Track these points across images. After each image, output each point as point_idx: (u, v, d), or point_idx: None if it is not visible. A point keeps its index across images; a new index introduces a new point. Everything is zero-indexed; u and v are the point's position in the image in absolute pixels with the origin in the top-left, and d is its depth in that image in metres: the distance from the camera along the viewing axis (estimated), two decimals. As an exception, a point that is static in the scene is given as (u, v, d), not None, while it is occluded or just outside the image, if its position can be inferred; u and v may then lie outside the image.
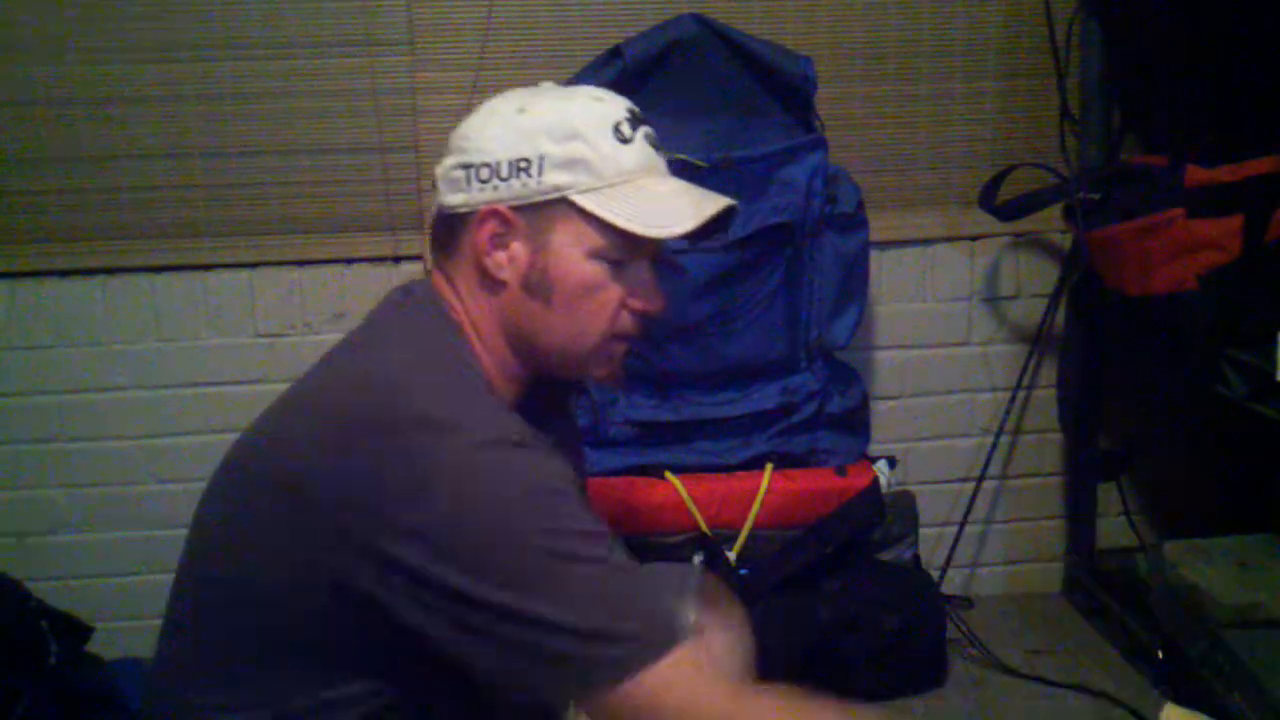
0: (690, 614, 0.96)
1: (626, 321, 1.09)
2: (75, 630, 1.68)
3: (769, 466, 1.84)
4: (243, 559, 0.98)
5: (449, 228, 1.07)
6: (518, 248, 1.05)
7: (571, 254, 1.05)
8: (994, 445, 2.05)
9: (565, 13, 1.89)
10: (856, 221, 1.86)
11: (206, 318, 1.94)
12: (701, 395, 1.88)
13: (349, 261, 1.94)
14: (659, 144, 1.10)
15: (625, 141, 1.06)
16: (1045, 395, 2.09)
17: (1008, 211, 1.92)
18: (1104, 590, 2.01)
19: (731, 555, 1.78)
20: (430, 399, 0.95)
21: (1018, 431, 2.12)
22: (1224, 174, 1.59)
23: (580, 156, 1.04)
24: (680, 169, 1.77)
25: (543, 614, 0.90)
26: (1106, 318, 1.95)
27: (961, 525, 2.05)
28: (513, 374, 1.09)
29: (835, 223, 1.85)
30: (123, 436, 1.96)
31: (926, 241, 2.04)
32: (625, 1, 1.89)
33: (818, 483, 1.84)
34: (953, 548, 2.06)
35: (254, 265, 1.93)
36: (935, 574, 2.00)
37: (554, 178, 1.03)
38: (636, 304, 1.09)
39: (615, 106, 1.08)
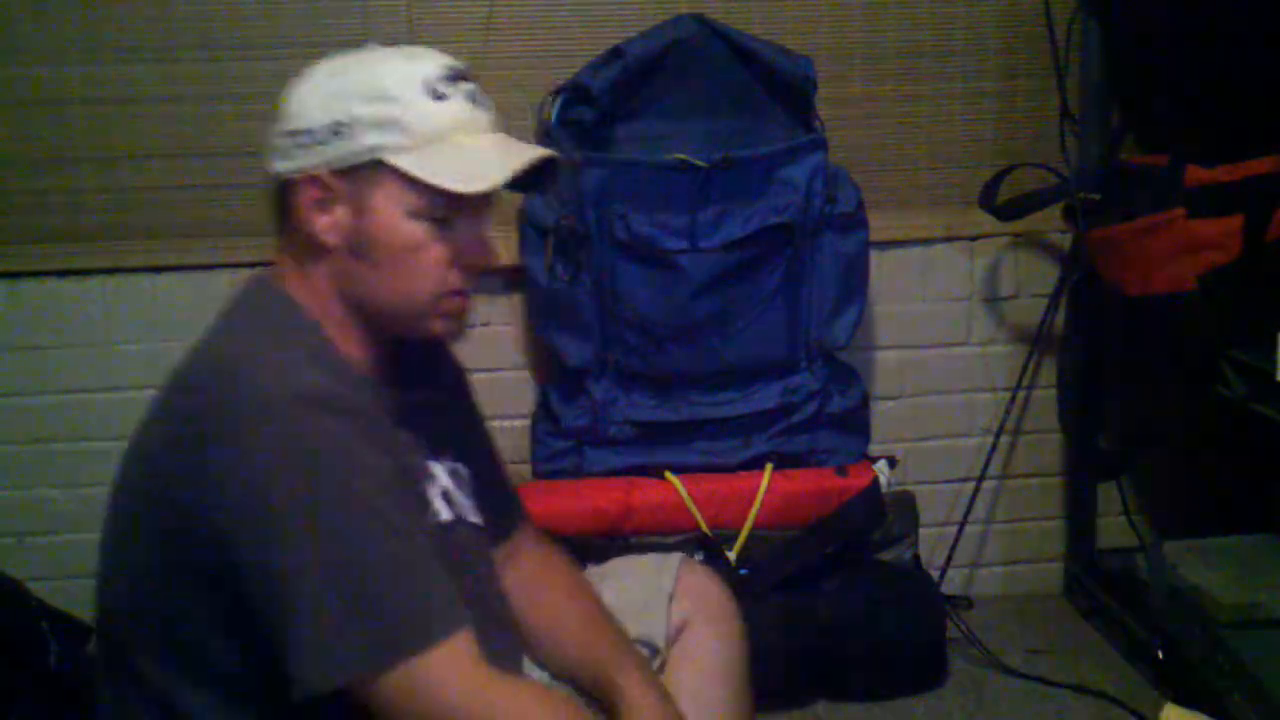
0: (460, 609, 0.96)
1: (457, 278, 1.08)
2: (75, 630, 1.68)
3: (769, 467, 1.84)
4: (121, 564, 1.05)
5: (280, 195, 1.07)
6: (340, 211, 1.05)
7: (392, 215, 1.05)
8: (994, 445, 2.05)
9: (565, 13, 1.89)
10: (856, 221, 1.87)
11: (206, 318, 1.93)
12: (701, 395, 1.88)
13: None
14: (484, 99, 1.10)
15: (440, 98, 1.06)
16: (1045, 395, 2.09)
17: (1008, 211, 1.92)
18: (1104, 590, 2.01)
19: (731, 555, 1.78)
20: (246, 370, 0.98)
21: (1018, 431, 2.11)
22: (1224, 174, 1.59)
23: (392, 117, 1.04)
24: (680, 169, 1.78)
25: (302, 581, 0.91)
26: (1106, 318, 1.95)
27: (961, 525, 2.05)
28: (359, 337, 1.08)
29: (835, 223, 1.85)
30: (123, 437, 1.94)
31: (926, 241, 2.04)
32: (625, 1, 1.89)
33: (818, 483, 1.84)
34: (953, 548, 2.05)
35: (253, 265, 1.91)
36: (935, 574, 2.00)
37: (368, 139, 1.03)
38: (467, 260, 1.08)
39: (430, 64, 1.07)
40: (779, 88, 1.84)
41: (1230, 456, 2.02)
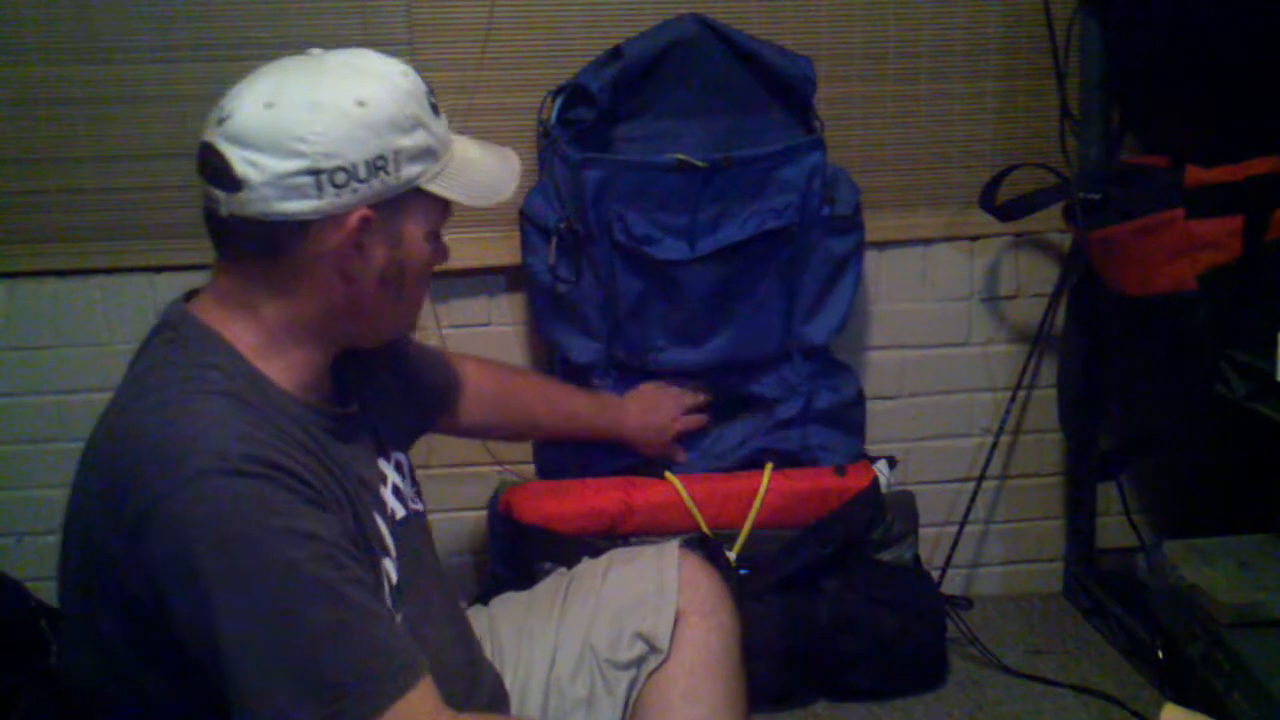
0: (414, 659, 0.94)
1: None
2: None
3: (769, 466, 1.84)
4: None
5: (272, 234, 1.00)
6: (374, 244, 1.02)
7: (418, 239, 1.06)
8: (994, 445, 2.05)
9: (565, 13, 1.89)
10: (852, 224, 1.87)
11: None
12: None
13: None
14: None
15: (436, 112, 1.06)
16: (1045, 395, 2.09)
17: (1008, 211, 1.92)
18: (1104, 590, 2.01)
19: (731, 555, 1.78)
20: (168, 440, 0.92)
21: (1018, 431, 2.11)
22: (1224, 174, 1.58)
23: (427, 144, 1.03)
24: (679, 169, 1.78)
25: (244, 659, 0.88)
26: (1106, 318, 1.95)
27: (961, 525, 2.05)
28: (303, 364, 1.05)
29: (832, 225, 1.85)
30: (123, 436, 1.95)
31: (926, 241, 2.04)
32: (625, 1, 1.88)
33: (818, 483, 1.84)
34: (953, 548, 2.05)
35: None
36: (935, 574, 2.00)
37: (409, 170, 1.02)
38: (439, 265, 1.11)
39: (416, 77, 1.06)
40: (779, 88, 1.84)
41: (1230, 456, 2.02)
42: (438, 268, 1.12)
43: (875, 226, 1.90)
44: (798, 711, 1.79)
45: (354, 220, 1.00)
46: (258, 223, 0.99)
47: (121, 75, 1.85)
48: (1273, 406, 1.50)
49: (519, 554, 1.77)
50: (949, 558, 2.05)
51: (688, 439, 1.87)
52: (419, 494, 1.24)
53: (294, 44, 1.82)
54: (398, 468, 1.19)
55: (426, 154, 1.03)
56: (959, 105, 1.99)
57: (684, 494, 1.79)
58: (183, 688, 0.95)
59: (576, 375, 1.88)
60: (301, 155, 0.97)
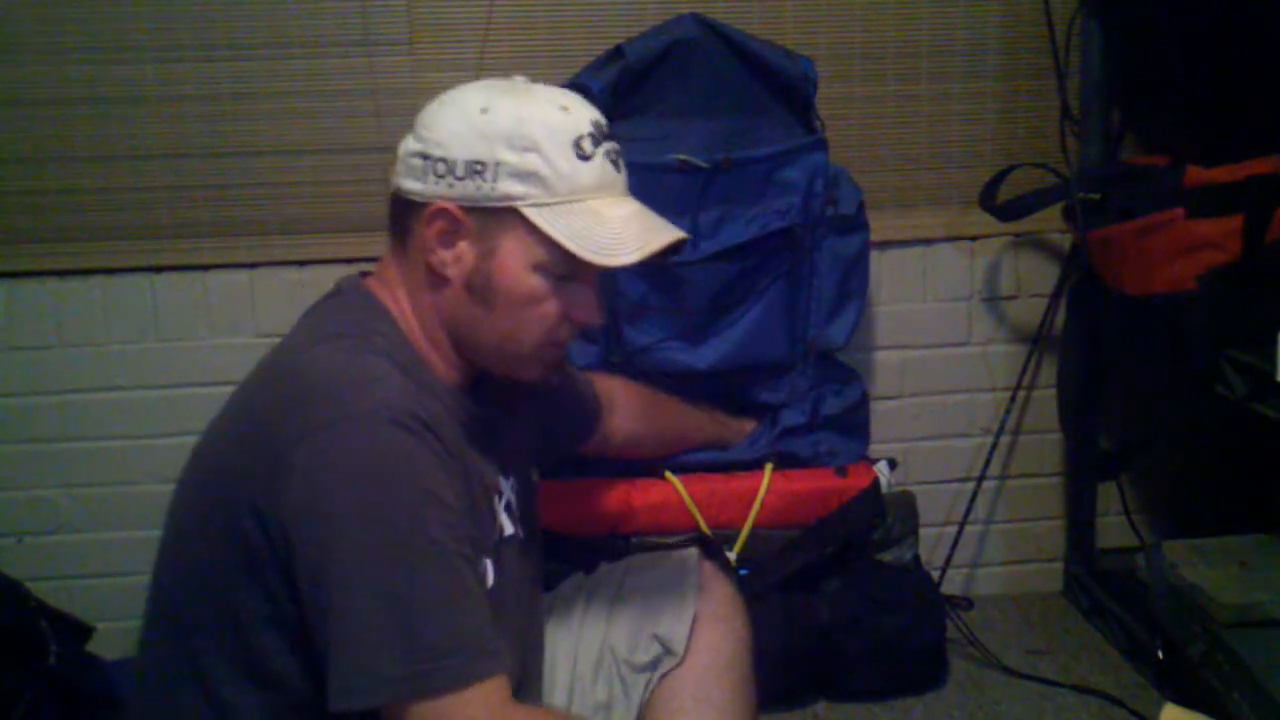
0: (503, 651, 0.97)
1: (565, 332, 1.11)
2: (75, 630, 1.68)
3: (769, 467, 1.84)
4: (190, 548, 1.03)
5: (402, 211, 1.08)
6: (464, 248, 1.05)
7: (516, 264, 1.06)
8: (994, 445, 2.05)
9: (565, 13, 1.89)
10: (857, 223, 1.86)
11: (206, 318, 1.94)
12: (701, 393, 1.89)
13: (349, 261, 1.93)
14: (621, 161, 1.10)
15: (584, 158, 1.06)
16: (1045, 395, 2.09)
17: (1008, 211, 1.92)
18: (1104, 590, 2.01)
19: (732, 555, 1.78)
20: (330, 375, 0.98)
21: (1018, 431, 2.12)
22: (1224, 174, 1.59)
23: (535, 170, 1.04)
24: (681, 170, 1.78)
25: (352, 598, 0.91)
26: (1106, 318, 1.95)
27: (961, 525, 2.05)
28: (450, 358, 1.10)
29: (835, 224, 1.85)
30: (123, 436, 1.96)
31: (927, 241, 2.04)
32: (625, 1, 1.89)
33: (818, 483, 1.84)
34: (953, 548, 2.06)
35: (254, 265, 1.93)
36: (935, 574, 2.00)
37: (507, 186, 1.03)
38: (578, 317, 1.10)
39: (580, 119, 1.07)
40: (779, 88, 1.84)
41: (1230, 456, 2.02)
42: (590, 325, 1.14)
43: (875, 226, 1.90)
44: (798, 711, 1.79)
45: (433, 208, 1.05)
46: (393, 197, 1.09)
47: (121, 75, 1.85)
48: (1273, 406, 1.50)
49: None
50: (949, 558, 2.06)
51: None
52: (534, 521, 1.26)
53: (294, 44, 1.86)
54: (514, 489, 1.21)
55: (533, 178, 1.04)
56: (959, 105, 1.99)
57: (684, 494, 1.79)
58: (283, 635, 0.97)
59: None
60: (422, 139, 1.06)
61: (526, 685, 1.22)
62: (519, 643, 1.19)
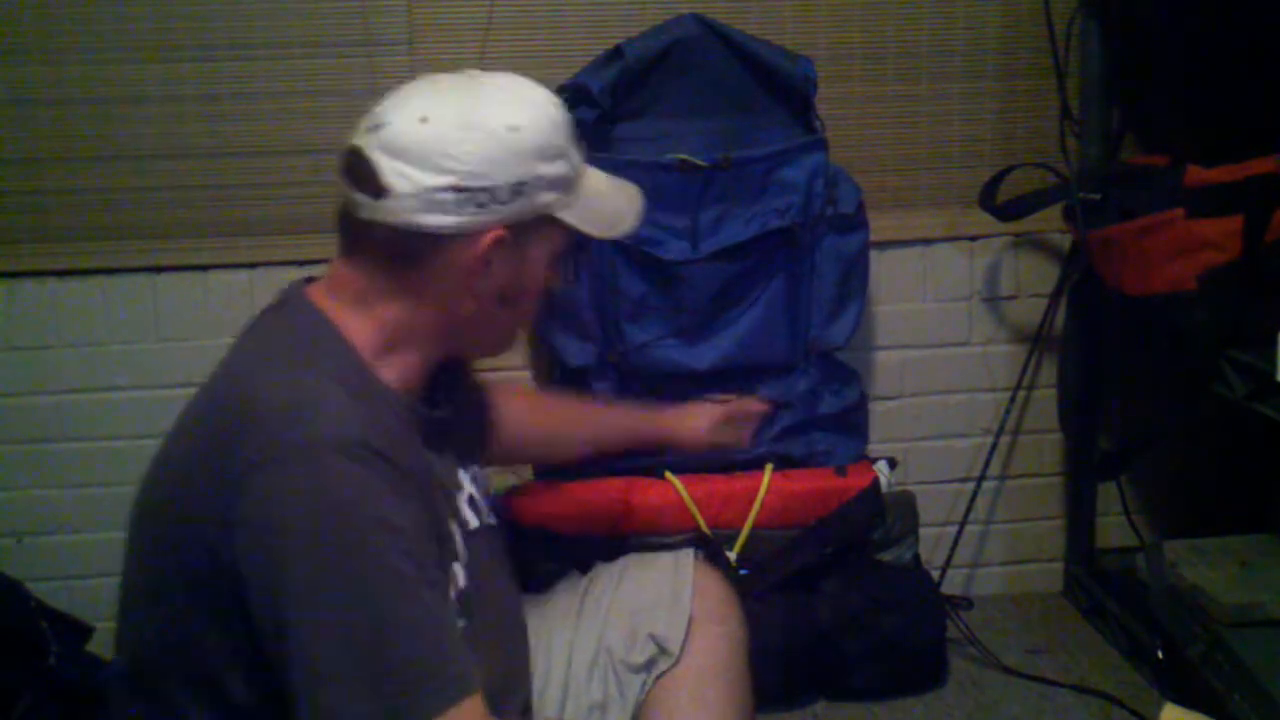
0: (471, 672, 0.94)
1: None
2: (75, 630, 1.68)
3: (769, 467, 1.84)
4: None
5: (408, 243, 1.02)
6: (501, 264, 1.05)
7: (541, 263, 1.09)
8: (994, 445, 2.05)
9: (565, 13, 1.89)
10: (857, 223, 1.86)
11: (206, 318, 1.94)
12: (701, 394, 1.88)
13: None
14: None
15: (577, 142, 1.09)
16: (1045, 395, 2.09)
17: (1008, 211, 1.92)
18: (1104, 590, 2.01)
19: (732, 555, 1.78)
20: (278, 405, 0.94)
21: (1018, 431, 2.12)
22: (1224, 174, 1.58)
23: (565, 174, 1.06)
24: (681, 169, 1.78)
25: (313, 637, 0.88)
26: (1106, 318, 1.95)
27: (961, 525, 2.05)
28: (405, 365, 1.08)
29: (835, 224, 1.85)
30: (123, 436, 1.96)
31: (927, 241, 2.04)
32: (625, 1, 1.89)
33: (818, 483, 1.84)
34: (953, 548, 2.06)
35: (254, 265, 1.93)
36: (935, 574, 2.00)
37: (544, 197, 1.05)
38: (559, 287, 1.14)
39: (556, 100, 1.08)
40: (779, 88, 1.84)
41: (1230, 456, 2.02)
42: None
43: (875, 226, 1.90)
44: (798, 711, 1.79)
45: (489, 239, 1.03)
46: (396, 230, 1.02)
47: (122, 75, 1.85)
48: (1273, 406, 1.50)
49: (520, 555, 1.76)
50: (949, 558, 2.06)
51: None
52: (492, 508, 1.25)
53: (294, 44, 1.86)
54: (473, 479, 1.20)
55: (563, 183, 1.06)
56: (959, 105, 1.99)
57: (684, 494, 1.79)
58: (245, 667, 0.95)
59: (574, 379, 1.88)
60: (450, 172, 1.00)
61: (513, 676, 1.21)
62: (499, 634, 1.18)
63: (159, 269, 1.92)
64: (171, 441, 1.03)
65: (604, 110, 1.79)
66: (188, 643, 0.97)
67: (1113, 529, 2.10)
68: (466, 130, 1.01)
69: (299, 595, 0.89)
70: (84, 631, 1.70)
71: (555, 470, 1.88)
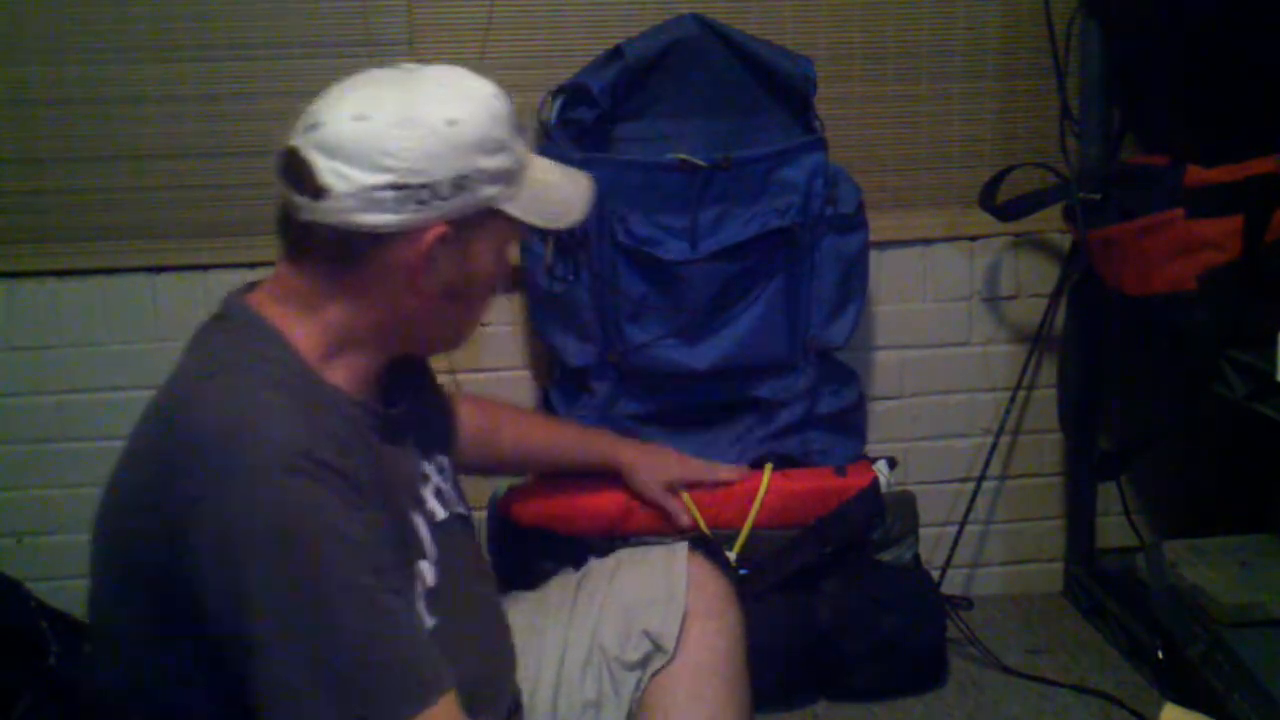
0: (441, 671, 0.94)
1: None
2: (75, 630, 1.68)
3: (768, 467, 1.84)
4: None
5: (348, 243, 1.01)
6: (446, 260, 1.04)
7: (488, 257, 1.08)
8: (994, 445, 2.05)
9: (565, 13, 1.89)
10: (856, 222, 1.86)
11: (205, 318, 1.94)
12: (700, 392, 1.89)
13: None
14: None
15: (521, 133, 1.08)
16: (1045, 395, 2.09)
17: (1008, 211, 1.92)
18: (1104, 590, 2.01)
19: (731, 555, 1.78)
20: (223, 426, 0.93)
21: (1018, 431, 2.12)
22: (1224, 174, 1.59)
23: (508, 167, 1.05)
24: (680, 169, 1.78)
25: (277, 658, 0.88)
26: (1106, 318, 1.95)
27: (961, 525, 2.05)
28: (356, 365, 1.07)
29: (835, 224, 1.85)
30: (123, 436, 1.94)
31: (927, 241, 2.04)
32: (625, 1, 1.89)
33: (817, 483, 1.84)
34: (953, 548, 2.06)
35: (253, 265, 1.93)
36: (935, 574, 2.00)
37: (487, 190, 1.04)
38: (506, 274, 1.13)
39: (499, 91, 1.07)
40: (779, 88, 1.84)
41: (1230, 456, 2.02)
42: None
43: (875, 226, 1.90)
44: (798, 711, 1.79)
45: (431, 236, 1.02)
46: (336, 230, 1.01)
47: (122, 75, 1.85)
48: (1273, 406, 1.50)
49: (519, 555, 1.77)
50: (949, 558, 2.06)
51: (684, 435, 1.86)
52: (462, 497, 1.24)
53: (294, 44, 1.86)
54: (439, 469, 1.20)
55: (506, 176, 1.05)
56: (959, 105, 1.99)
57: (684, 494, 1.79)
58: (208, 689, 0.96)
59: (575, 378, 1.88)
60: (389, 170, 0.98)
61: (493, 669, 1.20)
62: (473, 629, 1.17)
63: (159, 269, 1.92)
64: (121, 469, 1.02)
65: (604, 111, 1.79)
66: (153, 666, 0.98)
67: (1113, 529, 2.10)
68: (404, 126, 0.99)
69: (259, 616, 0.88)
70: (84, 631, 1.70)
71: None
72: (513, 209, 1.06)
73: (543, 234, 1.79)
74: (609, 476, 1.80)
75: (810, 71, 1.83)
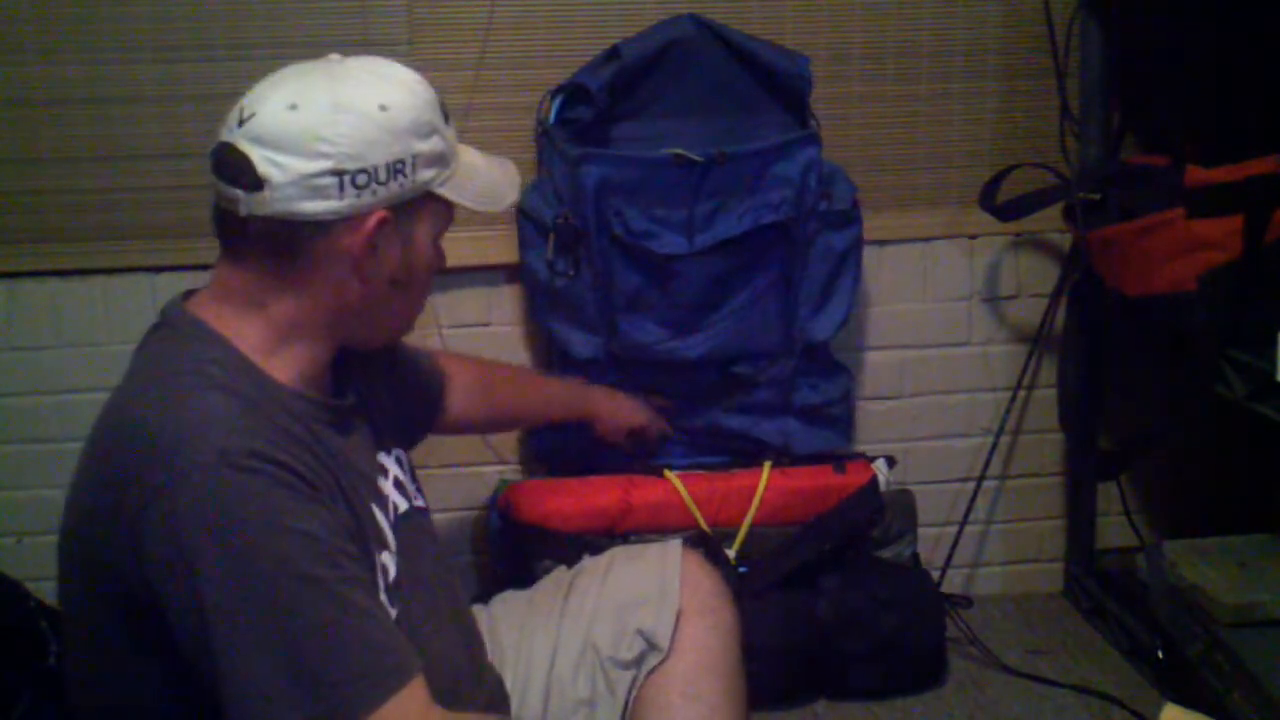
0: (410, 654, 0.95)
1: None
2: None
3: (767, 464, 1.84)
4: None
5: (290, 234, 1.01)
6: (388, 246, 1.05)
7: (427, 242, 1.09)
8: (994, 445, 2.05)
9: (565, 13, 1.89)
10: (851, 219, 1.86)
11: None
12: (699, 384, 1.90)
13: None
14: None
15: (448, 119, 1.09)
16: (1045, 395, 2.09)
17: (1008, 211, 1.92)
18: (1104, 590, 2.01)
19: (731, 553, 1.78)
20: (169, 430, 0.93)
21: (1018, 431, 2.11)
22: (1224, 174, 1.59)
23: (441, 150, 1.06)
24: (676, 164, 1.78)
25: (238, 656, 0.89)
26: (1106, 318, 1.95)
27: (961, 525, 2.05)
28: (305, 359, 1.07)
29: (829, 219, 1.85)
30: (123, 436, 1.95)
31: (926, 241, 2.04)
32: (625, 1, 1.88)
33: (817, 480, 1.84)
34: (953, 547, 2.06)
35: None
36: (935, 574, 2.00)
37: (423, 174, 1.05)
38: (439, 267, 1.13)
39: (422, 79, 1.09)
40: (776, 86, 1.85)
41: (1230, 456, 2.02)
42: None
43: (875, 226, 1.91)
44: (797, 711, 1.79)
45: (372, 222, 1.02)
46: (277, 222, 1.01)
47: (121, 75, 1.85)
48: (1273, 406, 1.50)
49: (519, 552, 1.77)
50: (949, 557, 2.06)
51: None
52: (420, 490, 1.24)
53: (294, 44, 1.86)
54: (398, 462, 1.20)
55: (440, 159, 1.06)
56: (959, 105, 1.99)
57: (683, 492, 1.79)
58: (178, 692, 0.96)
59: (577, 370, 1.88)
60: (326, 156, 0.99)
61: (459, 657, 1.19)
62: (436, 618, 1.17)
63: (159, 269, 1.92)
64: (77, 479, 1.01)
65: (602, 110, 1.79)
66: (126, 681, 0.98)
67: (1113, 529, 2.10)
68: (337, 113, 1.00)
69: (216, 619, 0.89)
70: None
71: (558, 469, 1.88)
72: (448, 192, 1.07)
73: (541, 230, 1.80)
74: (609, 476, 1.81)
75: (807, 70, 1.83)
